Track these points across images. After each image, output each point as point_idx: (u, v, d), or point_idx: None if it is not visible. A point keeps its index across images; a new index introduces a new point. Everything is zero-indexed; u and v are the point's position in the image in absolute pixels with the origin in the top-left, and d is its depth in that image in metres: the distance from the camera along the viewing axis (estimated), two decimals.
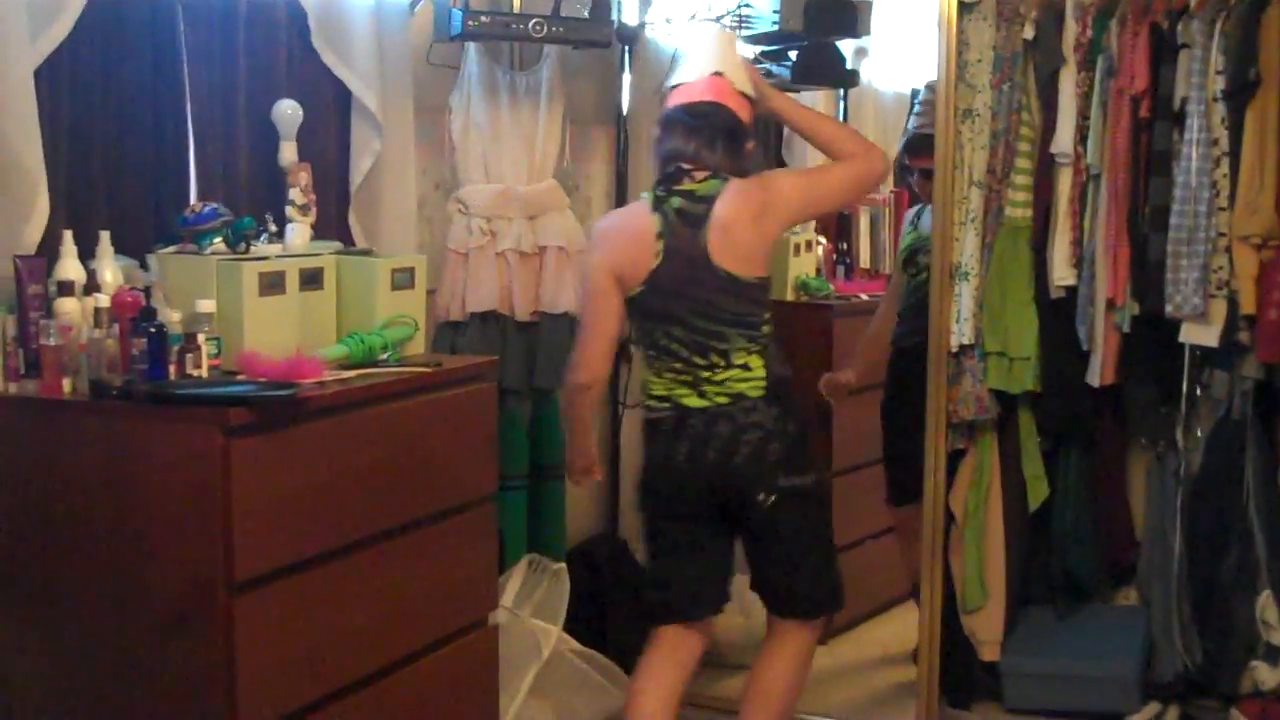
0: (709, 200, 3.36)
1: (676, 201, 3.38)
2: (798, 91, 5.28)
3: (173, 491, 2.69)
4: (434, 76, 3.97)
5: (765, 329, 3.43)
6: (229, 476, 2.66)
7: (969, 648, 4.22)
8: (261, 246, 3.22)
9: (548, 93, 4.11)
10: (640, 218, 3.43)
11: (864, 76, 5.36)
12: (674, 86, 3.51)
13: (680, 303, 3.38)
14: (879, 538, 4.78)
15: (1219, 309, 3.85)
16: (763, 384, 3.40)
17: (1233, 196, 3.82)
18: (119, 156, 3.20)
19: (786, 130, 5.29)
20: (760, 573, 3.54)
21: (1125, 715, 4.07)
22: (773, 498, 3.38)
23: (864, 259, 5.65)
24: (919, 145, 4.52)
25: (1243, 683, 3.99)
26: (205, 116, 3.37)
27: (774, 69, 4.83)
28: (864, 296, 5.17)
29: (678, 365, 3.40)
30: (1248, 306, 3.82)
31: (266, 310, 3.08)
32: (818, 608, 3.54)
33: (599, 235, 3.55)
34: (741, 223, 3.37)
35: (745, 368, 3.40)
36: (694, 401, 3.40)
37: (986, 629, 4.21)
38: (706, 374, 3.39)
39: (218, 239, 3.12)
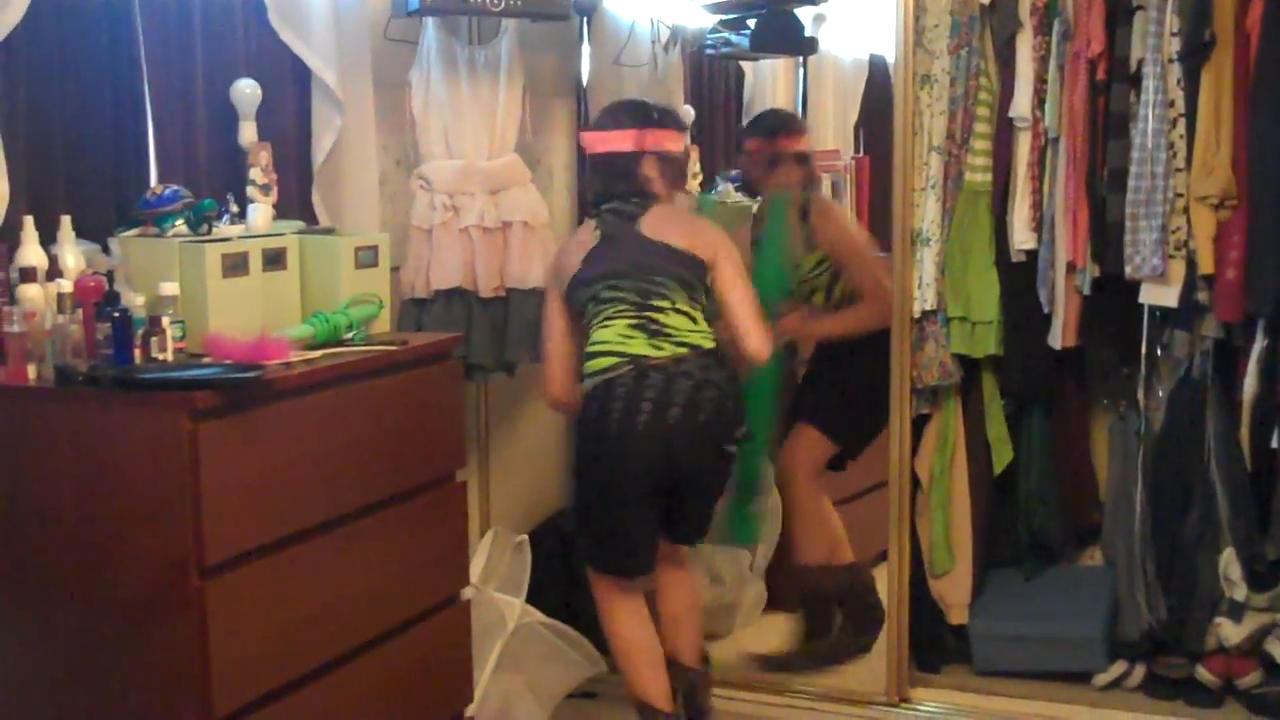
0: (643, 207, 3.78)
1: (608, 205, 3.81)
2: (756, 59, 5.31)
3: (141, 476, 2.68)
4: (392, 52, 3.95)
5: (705, 304, 3.71)
6: (197, 460, 2.66)
7: (937, 612, 4.26)
8: (223, 227, 3.21)
9: (507, 66, 4.09)
10: (582, 231, 3.88)
11: (822, 43, 5.36)
12: None
13: (620, 259, 3.69)
14: (849, 503, 4.81)
15: (1178, 269, 3.88)
16: (713, 338, 3.65)
17: (1189, 157, 3.84)
18: (78, 140, 3.18)
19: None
20: (683, 518, 3.75)
21: (1092, 674, 4.12)
22: (730, 448, 3.69)
23: None
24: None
25: (1207, 639, 4.04)
26: (163, 98, 3.35)
27: (732, 38, 4.84)
28: None
29: (624, 307, 3.64)
30: (1206, 266, 3.84)
31: (230, 291, 3.07)
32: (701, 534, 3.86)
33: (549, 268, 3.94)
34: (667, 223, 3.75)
35: (691, 319, 3.65)
36: (649, 351, 3.58)
37: (954, 593, 4.25)
38: (655, 315, 3.62)
39: (179, 221, 3.10)
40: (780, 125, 4.61)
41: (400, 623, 3.24)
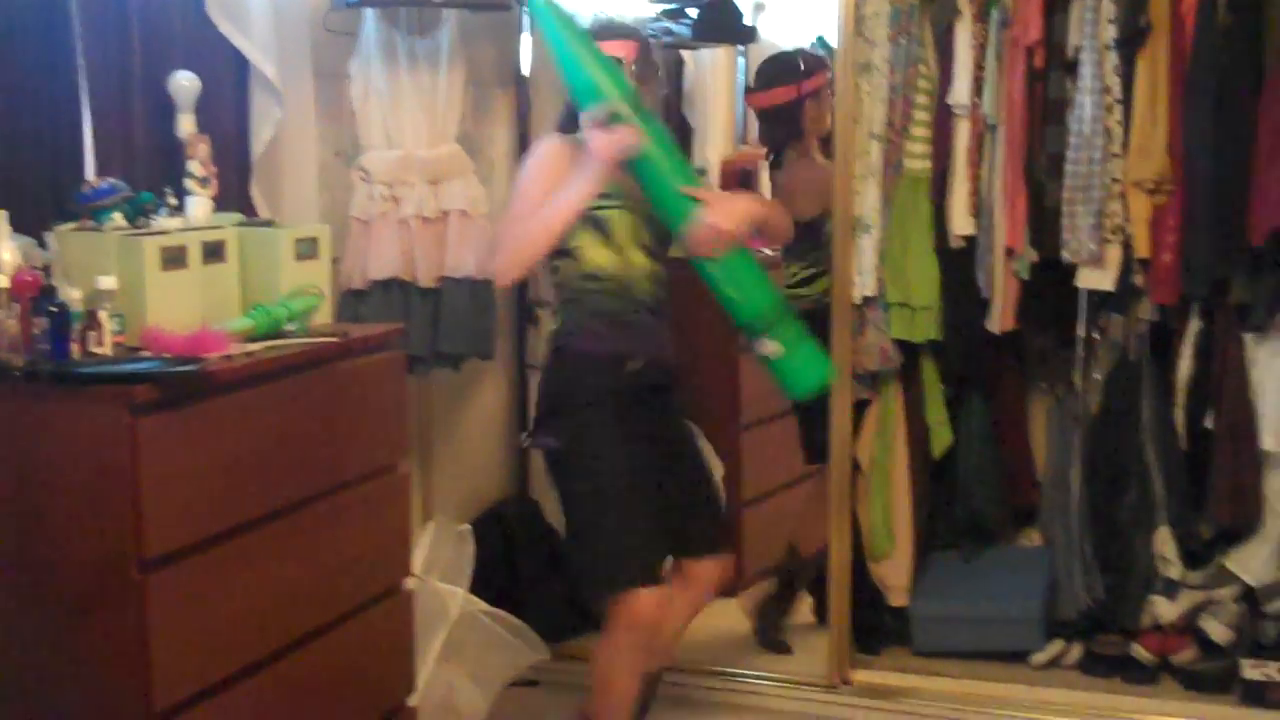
0: None
1: None
2: (696, 48, 5.33)
3: (80, 471, 2.67)
4: (332, 43, 3.93)
5: (559, 275, 3.54)
6: (137, 454, 2.65)
7: (877, 594, 4.31)
8: (162, 220, 3.19)
9: (448, 57, 4.09)
10: None
11: (762, 32, 5.39)
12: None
13: None
14: (788, 489, 4.84)
15: (1114, 253, 3.93)
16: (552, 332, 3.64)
17: (1126, 143, 3.89)
18: (13, 134, 3.15)
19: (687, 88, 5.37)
20: None
21: (1030, 653, 4.17)
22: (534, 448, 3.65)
23: None
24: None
25: (1143, 617, 4.11)
26: (100, 91, 3.32)
27: (674, 27, 4.85)
28: (767, 252, 5.17)
29: None
30: (1142, 250, 3.90)
31: (169, 285, 3.05)
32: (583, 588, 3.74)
33: None
34: None
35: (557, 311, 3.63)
36: None
37: (894, 575, 4.30)
38: None
39: (117, 214, 3.09)
40: (820, 60, 4.65)
41: (342, 613, 3.24)
